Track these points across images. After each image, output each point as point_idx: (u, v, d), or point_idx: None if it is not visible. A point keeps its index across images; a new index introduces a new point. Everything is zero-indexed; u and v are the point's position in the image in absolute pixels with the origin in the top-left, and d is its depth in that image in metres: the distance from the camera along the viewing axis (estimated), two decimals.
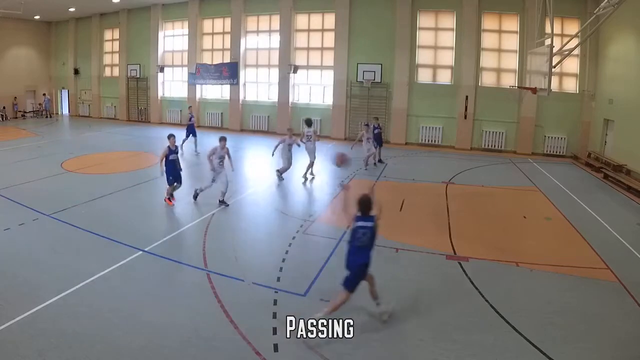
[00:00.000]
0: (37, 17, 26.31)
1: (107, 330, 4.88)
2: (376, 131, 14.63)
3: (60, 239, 7.57)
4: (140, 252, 7.01)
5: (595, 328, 5.27)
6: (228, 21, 22.50)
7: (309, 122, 12.62)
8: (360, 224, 4.95)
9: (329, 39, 20.51)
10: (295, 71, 20.89)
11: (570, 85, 17.82)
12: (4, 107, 25.85)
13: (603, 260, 7.24)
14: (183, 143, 15.76)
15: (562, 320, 5.38)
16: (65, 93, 29.38)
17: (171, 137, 9.60)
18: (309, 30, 21.04)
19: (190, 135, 16.13)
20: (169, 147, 9.42)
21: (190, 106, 18.45)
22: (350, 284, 4.90)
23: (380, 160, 14.98)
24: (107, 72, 27.31)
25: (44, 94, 27.93)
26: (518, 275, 6.66)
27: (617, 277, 6.57)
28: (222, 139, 9.70)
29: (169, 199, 9.65)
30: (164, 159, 9.35)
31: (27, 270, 6.30)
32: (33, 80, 27.95)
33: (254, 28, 22.26)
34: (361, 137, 13.88)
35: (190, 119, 16.39)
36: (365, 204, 4.97)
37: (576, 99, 17.50)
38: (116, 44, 26.32)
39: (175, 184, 9.62)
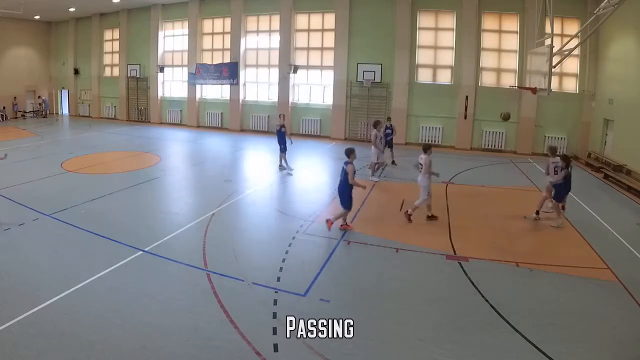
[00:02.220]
0: (37, 17, 26.33)
1: (107, 330, 4.87)
2: (388, 131, 14.38)
3: (60, 239, 7.57)
4: (140, 252, 7.01)
5: (595, 328, 5.26)
6: (228, 21, 22.50)
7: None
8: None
9: (329, 39, 20.50)
10: (295, 71, 20.88)
11: (570, 85, 17.82)
12: (4, 107, 25.87)
13: (603, 260, 7.24)
14: (284, 161, 13.50)
15: (562, 320, 5.37)
16: (65, 93, 29.40)
17: (353, 151, 8.17)
18: (309, 30, 21.04)
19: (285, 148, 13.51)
20: (350, 162, 7.99)
21: (282, 114, 14.28)
22: (560, 198, 8.99)
23: (392, 162, 14.59)
24: (107, 72, 27.32)
25: (39, 97, 27.91)
26: (518, 275, 6.66)
27: (617, 277, 6.57)
28: (429, 148, 8.93)
29: (346, 223, 8.34)
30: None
31: (27, 270, 6.30)
32: (33, 80, 27.96)
33: (254, 28, 22.26)
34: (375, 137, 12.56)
35: (280, 129, 13.38)
36: (562, 156, 9.15)
37: (576, 99, 17.51)
38: (116, 44, 26.34)
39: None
